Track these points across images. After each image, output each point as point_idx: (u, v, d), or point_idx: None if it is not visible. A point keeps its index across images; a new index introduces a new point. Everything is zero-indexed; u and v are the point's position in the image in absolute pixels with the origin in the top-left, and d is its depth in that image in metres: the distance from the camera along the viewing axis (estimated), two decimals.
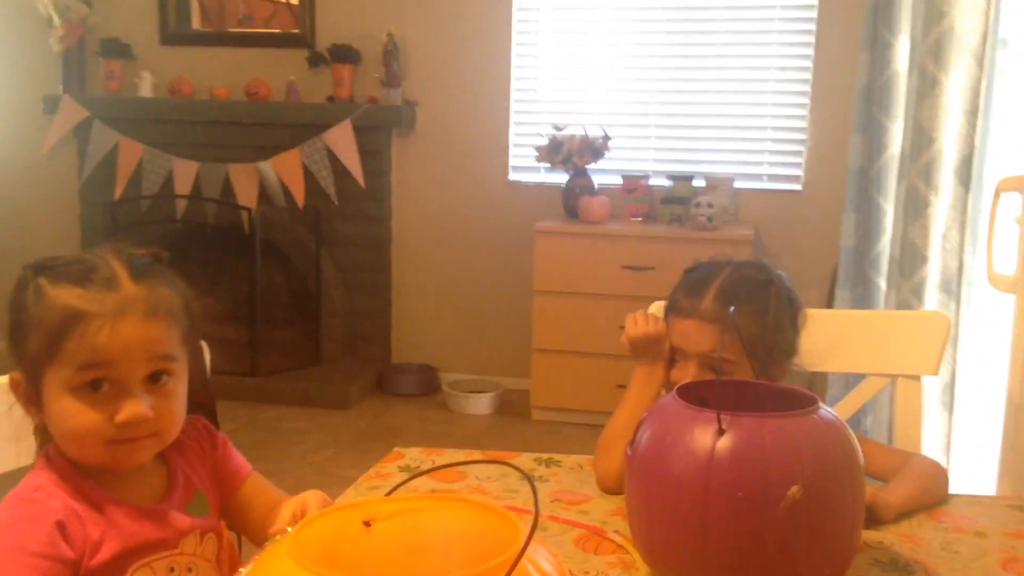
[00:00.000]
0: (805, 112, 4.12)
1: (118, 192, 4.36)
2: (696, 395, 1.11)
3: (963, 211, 2.16)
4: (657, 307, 1.54)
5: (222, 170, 4.33)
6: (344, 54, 4.36)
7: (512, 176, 4.39)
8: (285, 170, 4.32)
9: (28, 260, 1.01)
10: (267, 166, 4.31)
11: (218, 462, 1.13)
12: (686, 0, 4.16)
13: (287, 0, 4.49)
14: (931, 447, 2.17)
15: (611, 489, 1.34)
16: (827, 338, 1.70)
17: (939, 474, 1.37)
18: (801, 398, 1.08)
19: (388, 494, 0.80)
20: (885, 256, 2.82)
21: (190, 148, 4.37)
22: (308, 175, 4.30)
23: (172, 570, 1.03)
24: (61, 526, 0.95)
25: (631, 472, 1.08)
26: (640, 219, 4.14)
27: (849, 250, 3.05)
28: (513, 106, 4.37)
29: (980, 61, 2.09)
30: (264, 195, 4.34)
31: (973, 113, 2.12)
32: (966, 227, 2.16)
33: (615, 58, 4.26)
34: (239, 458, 1.15)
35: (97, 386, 0.96)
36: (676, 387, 1.10)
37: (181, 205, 4.39)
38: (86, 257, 1.02)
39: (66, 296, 0.97)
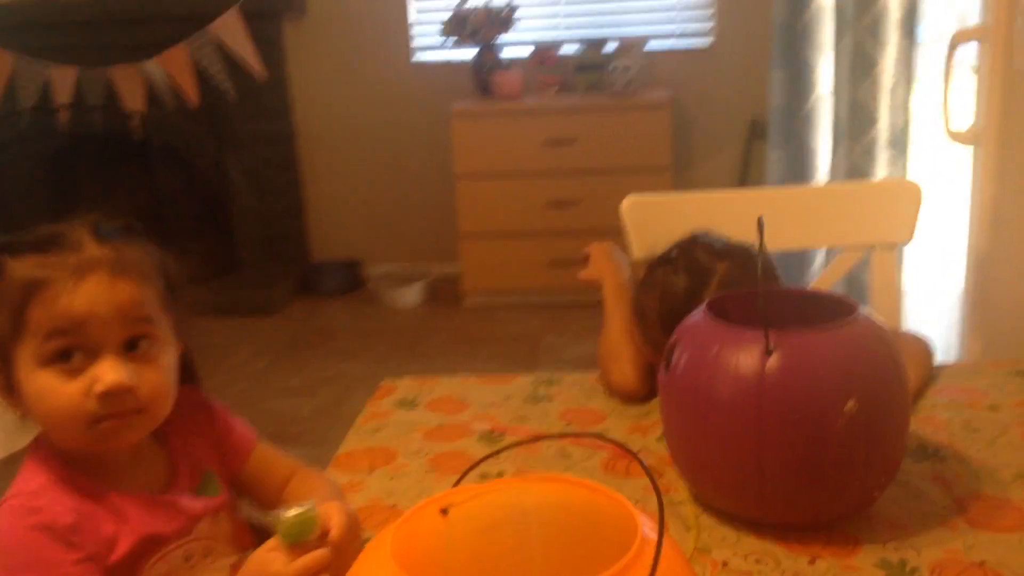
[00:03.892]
0: None
1: None
2: (721, 309, 1.06)
3: (908, 65, 2.13)
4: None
5: (103, 74, 4.01)
6: None
7: (417, 57, 4.19)
8: (173, 68, 4.02)
9: None
10: (153, 65, 4.00)
11: (219, 436, 1.04)
12: None
13: None
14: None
15: (630, 395, 1.31)
16: (800, 214, 1.67)
17: (929, 350, 1.38)
18: (834, 302, 1.04)
19: (457, 483, 0.74)
20: (818, 113, 2.79)
21: (65, 53, 4.01)
22: (199, 72, 4.02)
23: (188, 559, 0.95)
24: (75, 528, 0.87)
25: (667, 396, 1.03)
26: (556, 90, 4.02)
27: (779, 109, 3.01)
28: None
29: None
30: (154, 97, 4.05)
31: None
32: (912, 82, 2.14)
33: None
34: (242, 428, 1.06)
35: (68, 357, 0.88)
36: (705, 303, 1.04)
37: (64, 116, 4.06)
38: (50, 227, 0.92)
39: (26, 266, 0.89)
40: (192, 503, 0.96)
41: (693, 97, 4.12)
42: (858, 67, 2.15)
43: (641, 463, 0.64)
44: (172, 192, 4.20)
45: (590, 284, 1.49)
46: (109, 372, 0.88)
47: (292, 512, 0.85)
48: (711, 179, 4.10)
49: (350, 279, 4.29)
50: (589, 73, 3.95)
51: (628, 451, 0.69)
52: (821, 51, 2.73)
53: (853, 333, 0.96)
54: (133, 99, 4.03)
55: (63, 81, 3.99)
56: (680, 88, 4.08)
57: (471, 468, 0.72)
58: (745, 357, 0.95)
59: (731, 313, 1.05)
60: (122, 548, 0.89)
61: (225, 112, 4.14)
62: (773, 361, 0.94)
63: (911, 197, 1.61)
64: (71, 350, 0.88)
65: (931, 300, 2.26)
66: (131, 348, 0.90)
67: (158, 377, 0.92)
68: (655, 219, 1.64)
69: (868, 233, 1.63)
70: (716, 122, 4.15)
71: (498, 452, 0.71)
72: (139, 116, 3.99)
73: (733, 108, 4.07)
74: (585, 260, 1.52)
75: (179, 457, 0.98)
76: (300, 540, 0.84)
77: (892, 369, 0.97)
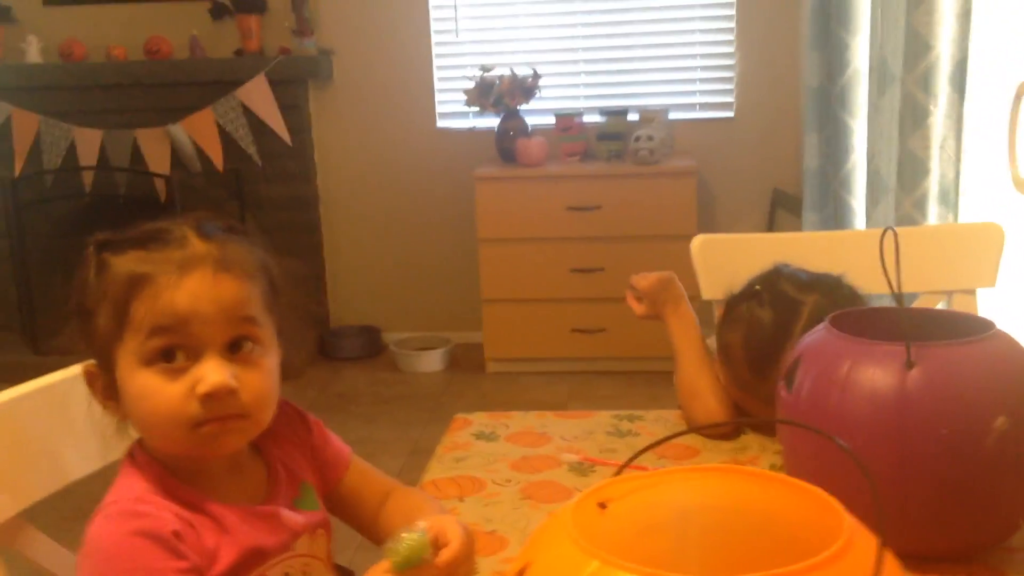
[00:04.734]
0: (732, 37, 4.05)
1: (17, 168, 3.99)
2: (842, 327, 1.01)
3: (958, 119, 2.12)
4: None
5: (129, 137, 4.01)
6: (248, 3, 4.07)
7: (440, 123, 4.20)
8: (198, 132, 4.03)
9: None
10: (178, 129, 4.01)
11: (316, 449, 0.99)
12: None
13: None
14: None
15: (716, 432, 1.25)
16: (878, 258, 1.63)
17: None
18: (965, 320, 0.99)
19: (617, 473, 0.68)
20: (856, 175, 2.79)
21: (91, 115, 4.02)
22: (224, 136, 4.02)
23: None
24: (180, 536, 0.80)
25: (792, 417, 0.97)
26: (577, 158, 4.02)
27: (814, 172, 3.01)
28: (435, 49, 4.17)
29: None
30: (178, 160, 4.05)
31: (965, 16, 2.07)
32: (962, 135, 2.13)
33: None
34: (337, 443, 1.02)
35: (170, 355, 0.84)
36: (829, 318, 0.99)
37: (89, 177, 4.05)
38: (152, 223, 0.88)
39: (129, 262, 0.85)
40: (294, 517, 0.90)
41: (715, 166, 4.13)
42: (907, 119, 2.15)
43: (846, 449, 0.58)
44: None
45: (647, 318, 1.42)
46: (212, 373, 0.83)
47: (408, 537, 0.79)
48: None
49: (369, 345, 4.23)
50: (612, 142, 3.96)
51: (841, 446, 0.63)
52: (857, 111, 2.74)
53: (997, 347, 0.91)
54: (158, 162, 4.03)
55: (88, 143, 3.99)
56: (703, 158, 4.08)
57: (633, 457, 0.66)
58: (882, 373, 0.90)
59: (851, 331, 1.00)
60: (224, 561, 0.82)
61: (248, 176, 4.13)
62: (915, 375, 0.88)
63: (993, 240, 1.57)
64: (173, 349, 0.84)
65: None
66: (234, 349, 0.86)
67: (262, 381, 0.87)
68: (725, 259, 1.60)
69: (949, 277, 1.59)
70: (739, 191, 4.15)
71: (681, 434, 0.65)
72: (164, 178, 3.98)
73: (756, 177, 4.08)
74: (634, 292, 1.42)
75: (277, 468, 0.93)
76: (414, 566, 0.78)
77: None
